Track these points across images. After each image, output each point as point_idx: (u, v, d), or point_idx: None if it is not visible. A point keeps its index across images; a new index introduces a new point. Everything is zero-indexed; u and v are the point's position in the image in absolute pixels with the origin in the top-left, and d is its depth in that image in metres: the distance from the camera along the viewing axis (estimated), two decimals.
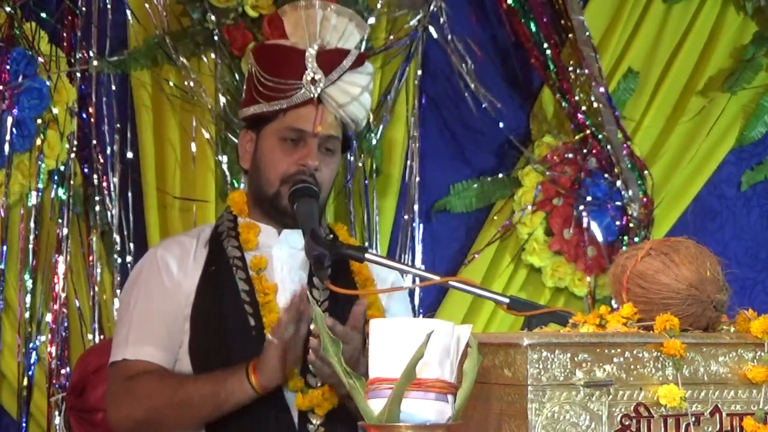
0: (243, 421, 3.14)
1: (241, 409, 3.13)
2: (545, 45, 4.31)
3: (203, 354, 3.20)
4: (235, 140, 4.00)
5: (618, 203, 4.35)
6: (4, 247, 4.01)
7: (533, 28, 4.31)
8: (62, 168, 4.07)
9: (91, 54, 4.11)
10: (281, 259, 3.28)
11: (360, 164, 4.23)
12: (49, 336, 4.03)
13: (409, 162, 4.32)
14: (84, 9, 4.11)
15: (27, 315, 4.02)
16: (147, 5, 4.12)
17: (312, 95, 3.26)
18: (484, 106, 4.32)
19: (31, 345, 4.02)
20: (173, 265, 3.26)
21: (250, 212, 3.33)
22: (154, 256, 3.30)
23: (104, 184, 4.11)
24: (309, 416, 3.15)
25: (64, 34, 4.11)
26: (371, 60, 4.16)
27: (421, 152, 4.35)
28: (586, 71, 4.31)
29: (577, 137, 4.36)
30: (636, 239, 4.33)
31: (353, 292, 3.21)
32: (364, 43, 4.13)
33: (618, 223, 4.35)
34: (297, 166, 3.25)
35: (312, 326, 3.08)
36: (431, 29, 4.29)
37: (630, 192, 4.33)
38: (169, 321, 3.22)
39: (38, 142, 4.03)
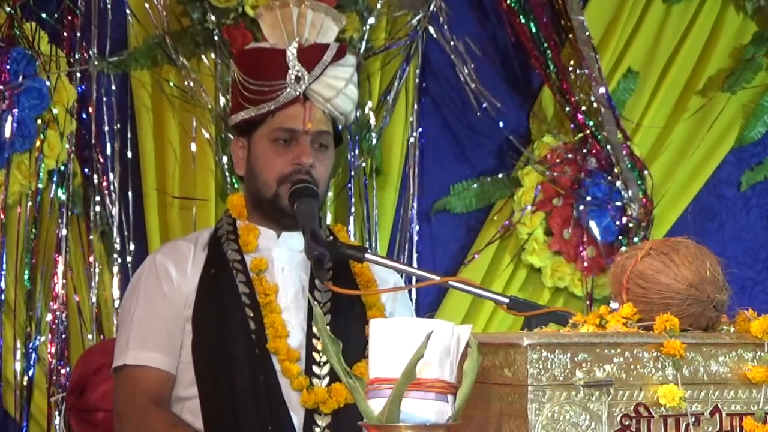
0: (244, 424, 3.14)
1: (241, 413, 3.13)
2: (545, 45, 4.31)
3: (205, 355, 3.20)
4: None
5: (618, 203, 4.35)
6: (4, 247, 4.01)
7: (533, 28, 4.31)
8: (62, 168, 4.07)
9: (91, 54, 4.11)
10: (282, 261, 3.28)
11: (360, 164, 4.23)
12: (49, 336, 4.03)
13: (409, 162, 4.32)
14: (84, 9, 4.11)
15: (26, 315, 4.03)
16: (147, 5, 4.12)
17: (297, 93, 3.26)
18: (484, 106, 4.32)
19: (31, 345, 4.02)
20: (172, 270, 3.26)
21: (249, 215, 3.33)
22: (153, 262, 3.31)
23: (104, 184, 4.11)
24: (315, 418, 3.15)
25: (64, 34, 4.11)
26: (371, 60, 4.18)
27: (421, 152, 4.35)
28: (586, 71, 4.31)
29: (577, 137, 4.36)
30: (635, 239, 4.33)
31: (353, 292, 3.21)
32: (364, 43, 4.14)
33: (618, 223, 4.35)
34: (292, 166, 3.25)
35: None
36: (431, 29, 4.29)
37: (630, 192, 4.33)
38: (170, 325, 3.23)
39: (38, 142, 4.02)
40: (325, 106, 3.30)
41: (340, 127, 3.40)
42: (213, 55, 4.10)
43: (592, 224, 4.35)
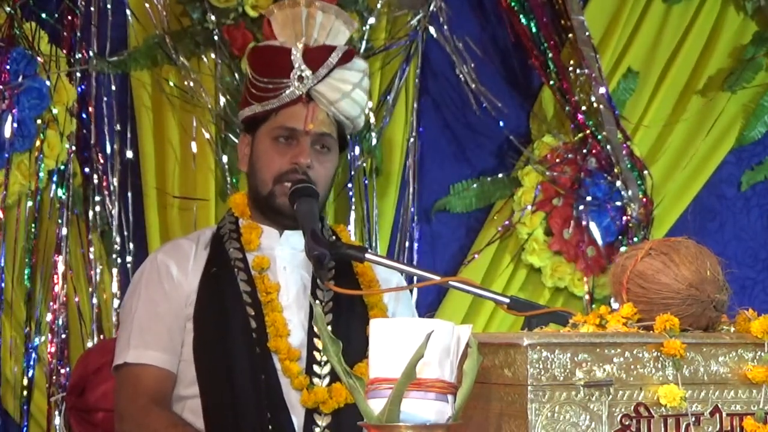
0: (244, 424, 3.14)
1: (241, 412, 3.13)
2: (545, 45, 4.31)
3: (205, 354, 3.20)
4: (235, 140, 4.01)
5: (618, 203, 4.35)
6: (4, 247, 4.01)
7: (533, 28, 4.31)
8: (62, 168, 4.08)
9: (91, 54, 4.11)
10: (284, 259, 3.28)
11: (360, 164, 4.23)
12: (49, 336, 4.03)
13: (408, 162, 4.32)
14: (84, 9, 4.11)
15: (26, 315, 4.03)
16: (147, 5, 4.12)
17: (300, 93, 3.26)
18: (484, 106, 4.32)
19: (30, 345, 4.02)
20: (173, 268, 3.26)
21: (252, 214, 3.33)
22: (154, 260, 3.31)
23: (104, 184, 4.11)
24: (315, 418, 3.15)
25: (64, 34, 4.11)
26: (371, 60, 4.17)
27: (421, 152, 4.35)
28: (586, 71, 4.32)
29: (577, 137, 4.36)
30: (635, 239, 4.33)
31: (354, 292, 3.20)
32: (364, 43, 4.13)
33: (618, 223, 4.35)
34: (290, 165, 3.25)
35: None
36: (431, 29, 4.29)
37: (630, 192, 4.33)
38: (170, 323, 3.22)
39: (38, 142, 4.03)
40: (330, 109, 3.29)
41: (347, 132, 3.39)
42: (213, 55, 4.11)
43: (592, 224, 4.35)
